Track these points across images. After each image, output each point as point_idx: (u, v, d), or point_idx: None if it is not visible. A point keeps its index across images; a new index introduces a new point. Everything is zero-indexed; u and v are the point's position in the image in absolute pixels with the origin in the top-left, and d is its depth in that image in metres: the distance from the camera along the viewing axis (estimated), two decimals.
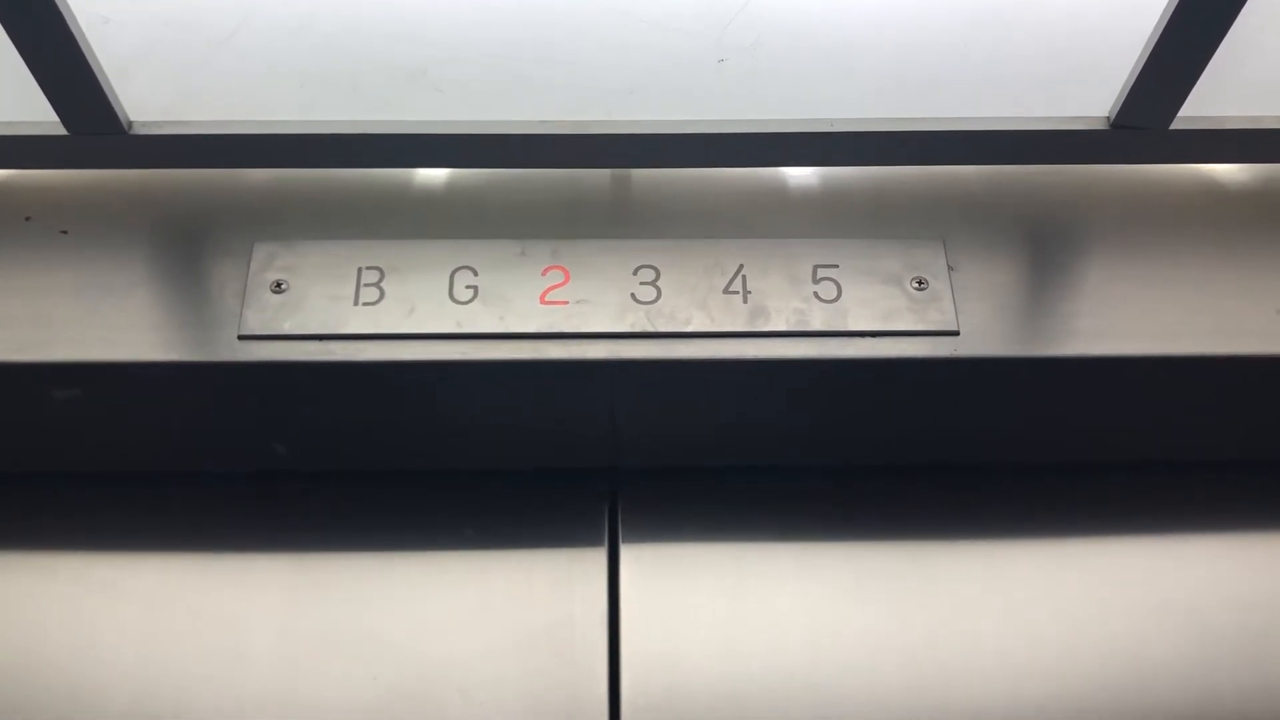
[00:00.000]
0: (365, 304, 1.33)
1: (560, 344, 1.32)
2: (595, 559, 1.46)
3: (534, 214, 1.40)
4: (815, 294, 1.35)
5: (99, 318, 1.33)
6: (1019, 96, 1.34)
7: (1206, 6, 1.17)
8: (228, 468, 1.51)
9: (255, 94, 1.32)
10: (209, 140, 1.33)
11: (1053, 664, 1.41)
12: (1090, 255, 1.40)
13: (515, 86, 1.32)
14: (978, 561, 1.48)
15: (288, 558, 1.47)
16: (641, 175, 1.44)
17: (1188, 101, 1.30)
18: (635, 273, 1.36)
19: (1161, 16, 1.21)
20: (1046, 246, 1.41)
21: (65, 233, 1.38)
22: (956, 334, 1.33)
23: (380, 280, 1.34)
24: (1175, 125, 1.33)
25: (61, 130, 1.31)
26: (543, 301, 1.34)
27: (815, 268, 1.36)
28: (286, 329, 1.31)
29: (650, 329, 1.32)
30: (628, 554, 1.47)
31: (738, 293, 1.34)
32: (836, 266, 1.36)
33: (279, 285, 1.34)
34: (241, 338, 1.31)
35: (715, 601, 1.45)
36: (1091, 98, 1.34)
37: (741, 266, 1.36)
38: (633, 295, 1.34)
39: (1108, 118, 1.34)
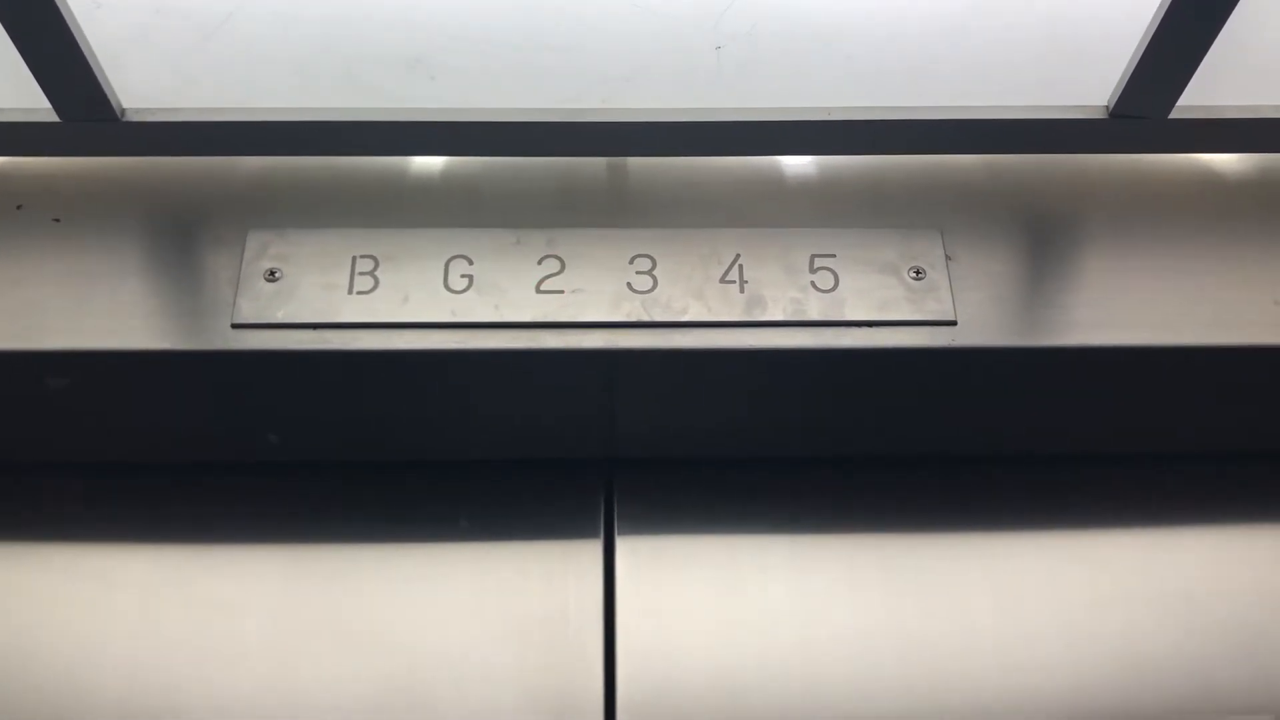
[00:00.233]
0: (359, 293, 1.32)
1: (556, 333, 1.31)
2: (590, 550, 1.46)
3: (529, 203, 1.40)
4: (812, 283, 1.34)
5: (91, 306, 1.32)
6: (1017, 85, 1.34)
7: None
8: (221, 457, 1.50)
9: (249, 81, 1.32)
10: (202, 128, 1.32)
11: (1048, 655, 1.41)
12: (1088, 245, 1.39)
13: (510, 74, 1.32)
14: (973, 553, 1.48)
15: (281, 548, 1.47)
16: (638, 164, 1.43)
17: (1186, 91, 1.30)
18: (631, 262, 1.35)
19: (1160, 6, 1.21)
20: (1044, 236, 1.40)
21: (58, 221, 1.38)
22: (954, 324, 1.33)
23: (374, 269, 1.34)
24: (1174, 115, 1.33)
25: (54, 117, 1.30)
26: (538, 291, 1.33)
27: (812, 257, 1.36)
28: (280, 318, 1.31)
29: (646, 318, 1.32)
30: (623, 545, 1.46)
31: (734, 282, 1.34)
32: (834, 256, 1.36)
33: (273, 274, 1.33)
34: (235, 326, 1.31)
35: (710, 593, 1.45)
36: (1090, 87, 1.33)
37: (738, 256, 1.36)
38: (629, 284, 1.34)
39: (1106, 107, 1.34)
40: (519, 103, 1.32)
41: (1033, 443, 1.52)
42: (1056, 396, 1.44)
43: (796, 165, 1.43)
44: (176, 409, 1.43)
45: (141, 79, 1.31)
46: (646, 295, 1.33)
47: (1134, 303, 1.35)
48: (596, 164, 1.43)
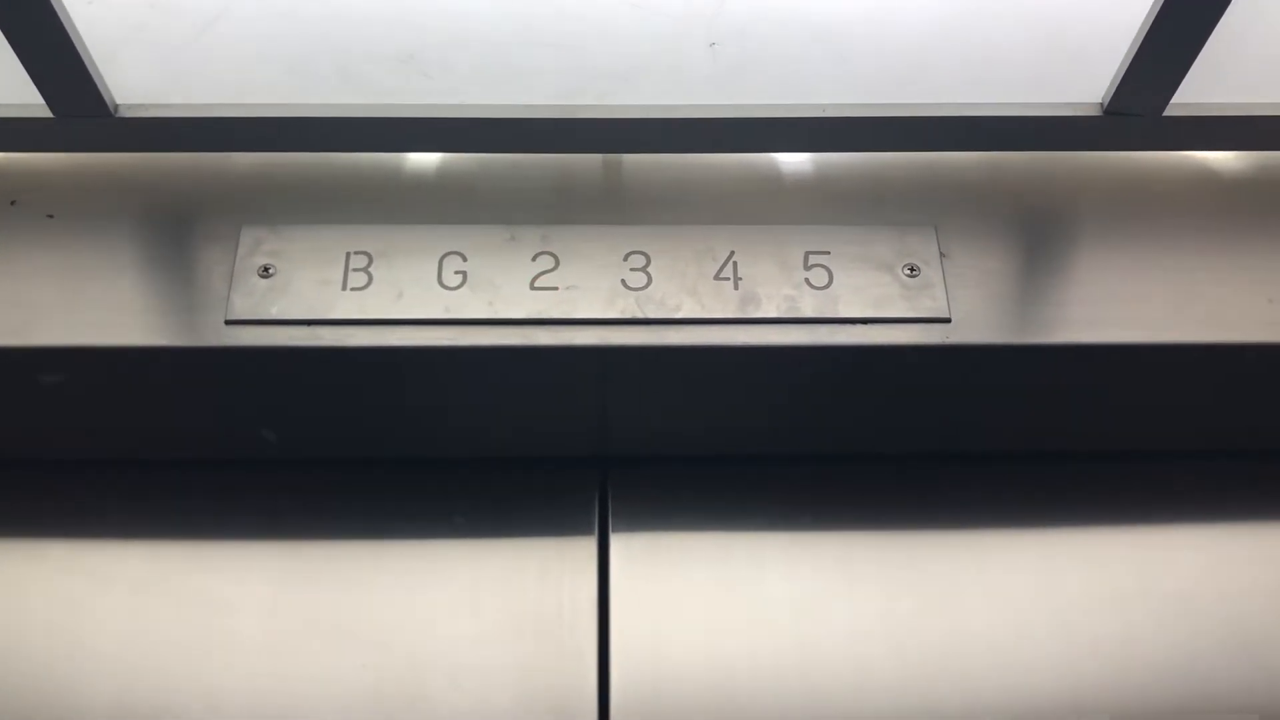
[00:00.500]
0: (353, 289, 1.32)
1: (550, 330, 1.31)
2: (585, 547, 1.46)
3: (524, 199, 1.39)
4: (806, 281, 1.34)
5: (85, 302, 1.32)
6: (1012, 83, 1.34)
7: None
8: (215, 454, 1.50)
9: (243, 77, 1.32)
10: (196, 124, 1.32)
11: (1042, 653, 1.41)
12: (1083, 242, 1.39)
13: (505, 71, 1.32)
14: (967, 550, 1.48)
15: (276, 545, 1.47)
16: (632, 160, 1.43)
17: (1181, 88, 1.30)
18: (625, 259, 1.35)
19: (1154, 3, 1.21)
20: (1039, 234, 1.40)
21: (51, 216, 1.38)
22: (948, 321, 1.33)
23: (368, 265, 1.34)
24: (1168, 112, 1.33)
25: (47, 113, 1.30)
26: (532, 287, 1.33)
27: (807, 254, 1.36)
28: (274, 314, 1.31)
29: (640, 315, 1.32)
30: (617, 542, 1.46)
31: (728, 279, 1.34)
32: (828, 253, 1.36)
33: (266, 270, 1.33)
34: (229, 322, 1.31)
35: (705, 590, 1.45)
36: (1084, 85, 1.33)
37: (732, 253, 1.36)
38: (623, 281, 1.33)
39: (1101, 104, 1.34)
40: (513, 99, 1.32)
41: (1027, 440, 1.52)
42: (1051, 394, 1.44)
43: (791, 162, 1.43)
44: (170, 405, 1.43)
45: (135, 75, 1.31)
46: (641, 292, 1.33)
47: (1128, 300, 1.35)
48: (591, 161, 1.43)
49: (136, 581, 1.43)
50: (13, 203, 1.38)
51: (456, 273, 1.34)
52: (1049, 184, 1.43)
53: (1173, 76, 1.28)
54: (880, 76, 1.33)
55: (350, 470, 1.51)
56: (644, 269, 1.34)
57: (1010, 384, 1.42)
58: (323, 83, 1.32)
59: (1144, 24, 1.23)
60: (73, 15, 1.21)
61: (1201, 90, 1.31)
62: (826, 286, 1.34)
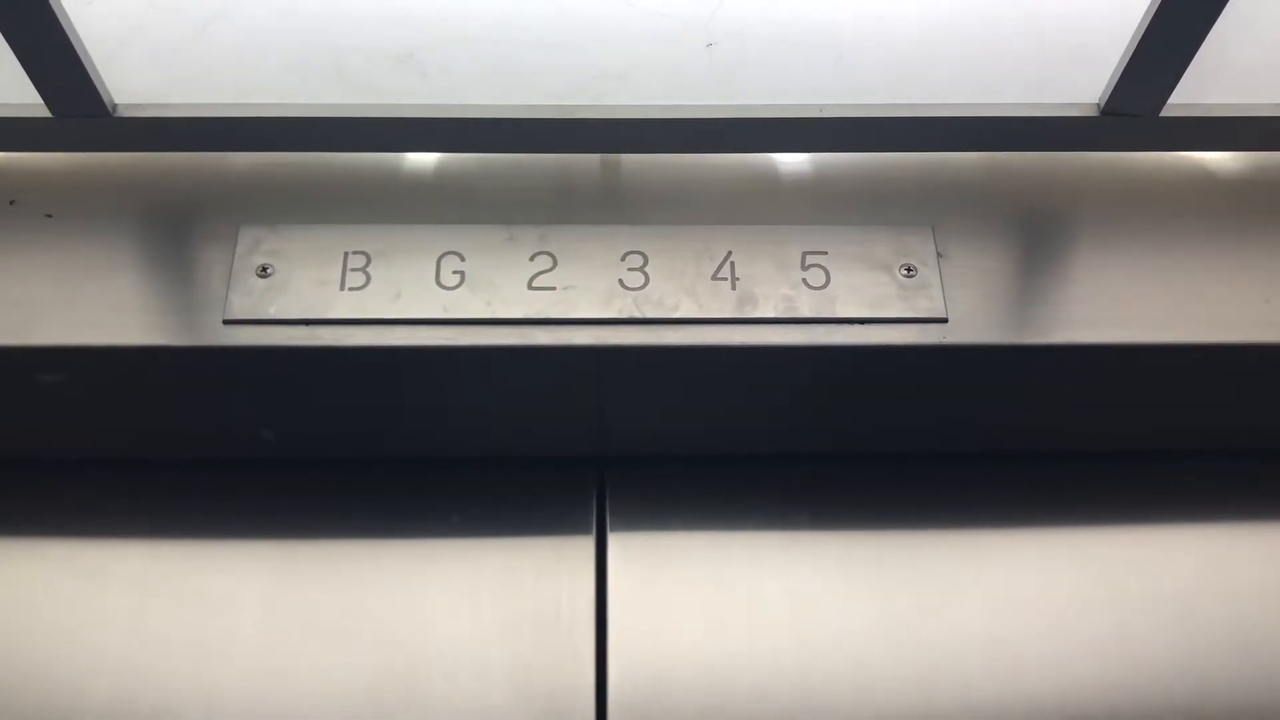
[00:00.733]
0: (351, 289, 1.32)
1: (547, 330, 1.32)
2: (583, 546, 1.46)
3: (522, 199, 1.40)
4: (804, 281, 1.34)
5: (84, 302, 1.32)
6: (1009, 83, 1.34)
7: None
8: (214, 453, 1.51)
9: (241, 77, 1.32)
10: (194, 123, 1.32)
11: (1039, 653, 1.41)
12: (1080, 243, 1.39)
13: (503, 71, 1.32)
14: (965, 550, 1.48)
15: (274, 544, 1.47)
16: (630, 160, 1.43)
17: (1178, 89, 1.30)
18: (623, 259, 1.35)
19: (1151, 4, 1.21)
20: (1036, 234, 1.40)
21: (50, 216, 1.38)
22: (945, 321, 1.33)
23: (367, 265, 1.34)
24: (1165, 113, 1.33)
25: (46, 113, 1.30)
26: (530, 287, 1.33)
27: (804, 254, 1.36)
28: (272, 313, 1.31)
29: (638, 315, 1.32)
30: (615, 542, 1.46)
31: (726, 279, 1.34)
32: (825, 253, 1.36)
33: (264, 269, 1.33)
34: (227, 322, 1.31)
35: (702, 589, 1.45)
36: (1081, 85, 1.34)
37: (730, 253, 1.36)
38: (620, 281, 1.34)
39: (1098, 105, 1.34)
40: (511, 99, 1.32)
41: (1024, 440, 1.52)
42: (1048, 394, 1.44)
43: (788, 162, 1.43)
44: (169, 405, 1.43)
45: (134, 75, 1.31)
46: (638, 292, 1.33)
47: (1125, 300, 1.35)
48: (589, 161, 1.43)
49: (135, 580, 1.44)
50: (12, 202, 1.39)
51: (454, 272, 1.34)
52: (1046, 184, 1.43)
53: (1170, 77, 1.28)
54: (878, 77, 1.33)
55: (348, 470, 1.51)
56: (642, 269, 1.35)
57: (1007, 384, 1.42)
58: (321, 83, 1.32)
59: (1141, 25, 1.23)
60: (71, 15, 1.21)
61: (1198, 91, 1.32)
62: (824, 286, 1.34)
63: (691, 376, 1.39)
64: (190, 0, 1.33)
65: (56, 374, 1.35)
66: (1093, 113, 1.34)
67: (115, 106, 1.31)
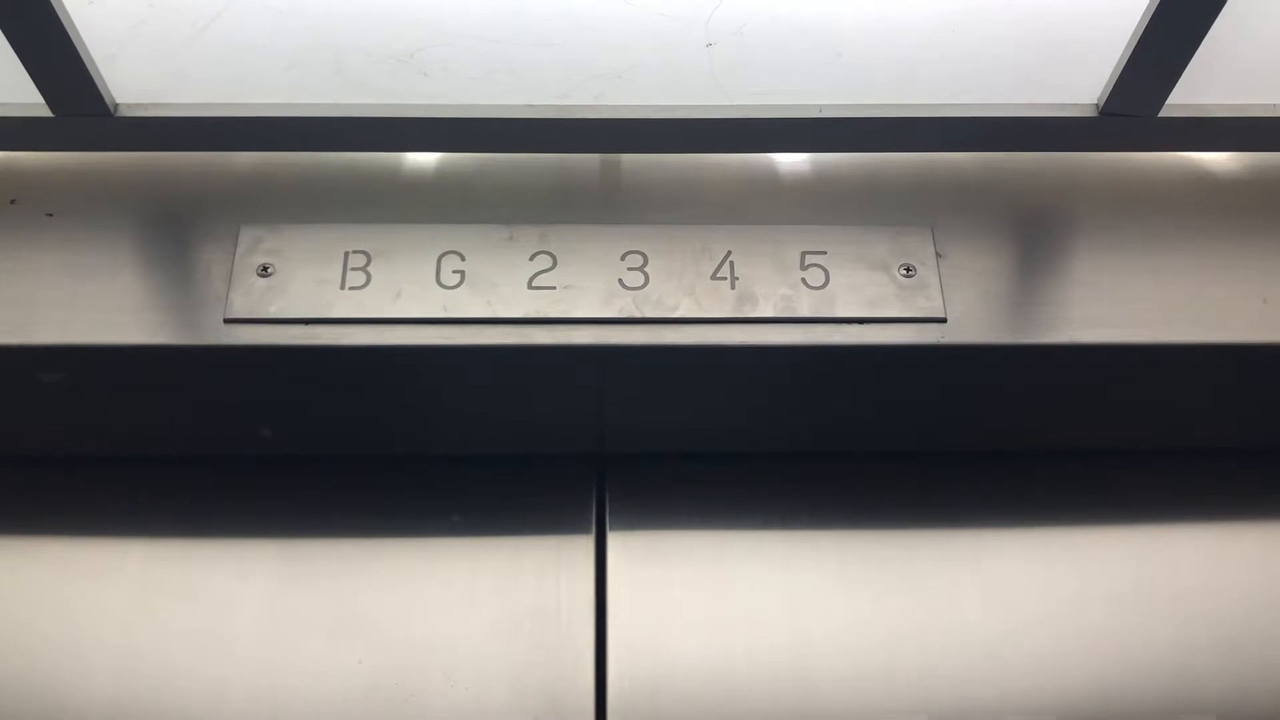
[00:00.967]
0: (352, 288, 1.33)
1: (547, 329, 1.32)
2: (582, 545, 1.47)
3: (522, 199, 1.40)
4: (803, 280, 1.34)
5: (84, 301, 1.32)
6: (1008, 84, 1.34)
7: None
8: (214, 451, 1.51)
9: (241, 77, 1.32)
10: (195, 123, 1.32)
11: (1037, 651, 1.42)
12: (1078, 243, 1.39)
13: (503, 70, 1.32)
14: (963, 549, 1.48)
15: (274, 542, 1.47)
16: (630, 160, 1.43)
17: (1176, 89, 1.30)
18: (623, 258, 1.36)
19: (1150, 4, 1.21)
20: (1035, 234, 1.41)
21: (51, 215, 1.38)
22: (944, 321, 1.33)
23: (367, 264, 1.34)
24: (1163, 113, 1.33)
25: (47, 112, 1.30)
26: (530, 287, 1.33)
27: (803, 254, 1.36)
28: (272, 313, 1.31)
29: (638, 315, 1.32)
30: (614, 540, 1.47)
31: (725, 279, 1.34)
32: (824, 253, 1.36)
33: (265, 269, 1.33)
34: (227, 321, 1.31)
35: (701, 588, 1.45)
36: (1080, 86, 1.34)
37: (729, 253, 1.36)
38: (620, 281, 1.34)
39: (1096, 105, 1.34)
40: (511, 99, 1.32)
41: (1022, 439, 1.52)
42: (1045, 393, 1.44)
43: (788, 162, 1.44)
44: (169, 404, 1.44)
45: (135, 74, 1.31)
46: (638, 292, 1.33)
47: (1123, 300, 1.35)
48: (589, 160, 1.43)
49: (135, 578, 1.44)
50: (12, 201, 1.39)
51: (454, 272, 1.34)
52: (1045, 184, 1.43)
53: (1168, 78, 1.28)
54: (877, 77, 1.34)
55: (348, 468, 1.51)
56: (641, 268, 1.35)
57: (1006, 383, 1.42)
58: (322, 82, 1.32)
59: (1139, 25, 1.23)
60: (72, 15, 1.21)
61: (1197, 91, 1.32)
62: (823, 286, 1.34)
63: (691, 376, 1.39)
64: (191, 0, 1.33)
65: (57, 373, 1.35)
66: (1091, 113, 1.34)
67: (116, 106, 1.31)
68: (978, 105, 1.34)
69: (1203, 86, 1.32)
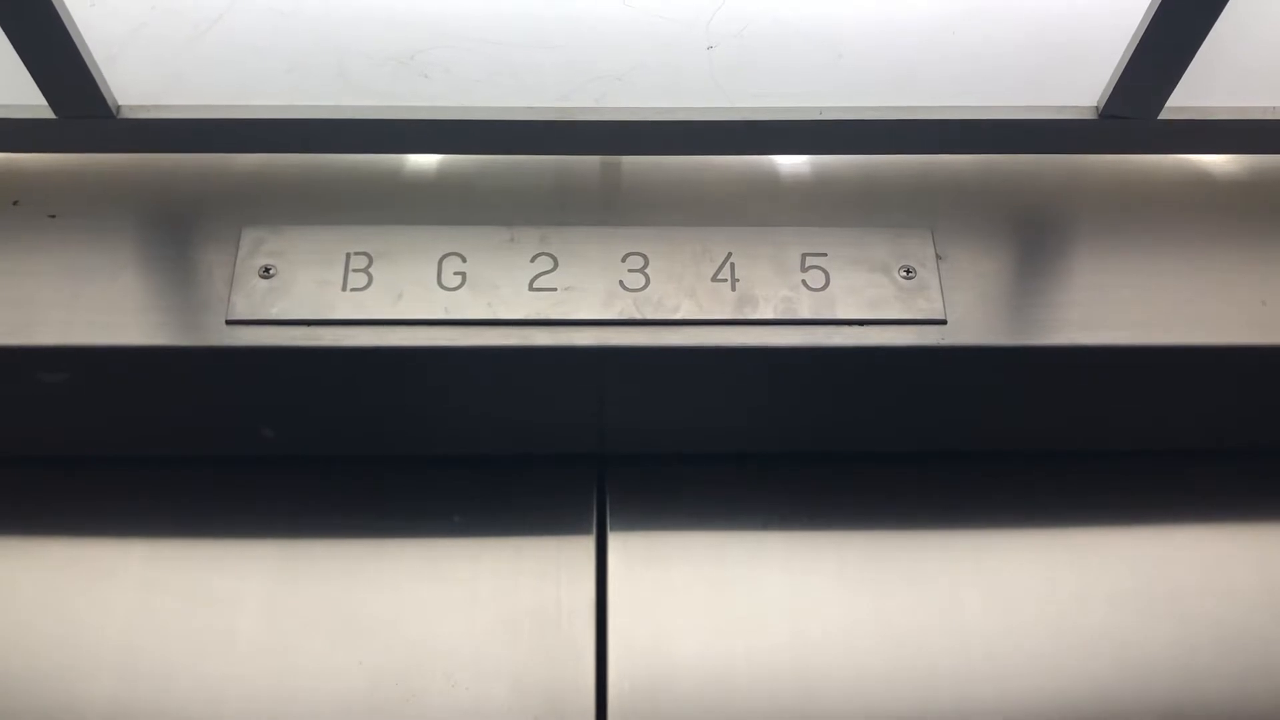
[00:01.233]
0: (353, 289, 1.33)
1: (548, 331, 1.32)
2: (583, 546, 1.47)
3: (523, 200, 1.40)
4: (803, 282, 1.35)
5: (87, 302, 1.32)
6: (1008, 86, 1.34)
7: None
8: (215, 452, 1.51)
9: (243, 78, 1.32)
10: (197, 125, 1.33)
11: (1036, 651, 1.42)
12: (1078, 245, 1.40)
13: (504, 72, 1.32)
14: (963, 550, 1.48)
15: (275, 542, 1.47)
16: (631, 162, 1.43)
17: (1176, 92, 1.30)
18: (624, 260, 1.36)
19: (1150, 6, 1.21)
20: (1035, 236, 1.41)
21: (53, 217, 1.38)
22: (944, 323, 1.33)
23: (368, 266, 1.34)
24: (1163, 116, 1.33)
25: (49, 114, 1.31)
26: (531, 288, 1.34)
27: (803, 256, 1.36)
28: (274, 314, 1.31)
29: (638, 316, 1.32)
30: (615, 541, 1.47)
31: (726, 280, 1.35)
32: (825, 255, 1.36)
33: (267, 270, 1.34)
34: (229, 323, 1.31)
35: (702, 589, 1.45)
36: (1080, 88, 1.34)
37: (730, 254, 1.36)
38: (621, 283, 1.34)
39: (1096, 108, 1.34)
40: (512, 101, 1.32)
41: (1022, 440, 1.52)
42: (1045, 395, 1.45)
43: (788, 164, 1.44)
44: (171, 404, 1.44)
45: (137, 76, 1.31)
46: (639, 293, 1.34)
47: (1123, 302, 1.35)
48: (590, 162, 1.43)
49: (136, 579, 1.44)
50: (15, 203, 1.39)
51: (456, 274, 1.34)
52: (1045, 187, 1.43)
53: (1168, 80, 1.28)
54: (877, 79, 1.34)
55: (349, 469, 1.51)
56: (642, 270, 1.35)
57: (1005, 385, 1.42)
58: (323, 84, 1.33)
59: (1139, 27, 1.23)
60: (75, 16, 1.21)
61: (1197, 94, 1.32)
62: (823, 288, 1.34)
63: (691, 377, 1.39)
64: (193, 2, 1.33)
65: (59, 374, 1.36)
66: (1091, 115, 1.34)
67: (118, 108, 1.31)
68: (978, 107, 1.34)
69: (1203, 89, 1.32)
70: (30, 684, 1.38)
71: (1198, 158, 1.45)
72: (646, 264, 1.35)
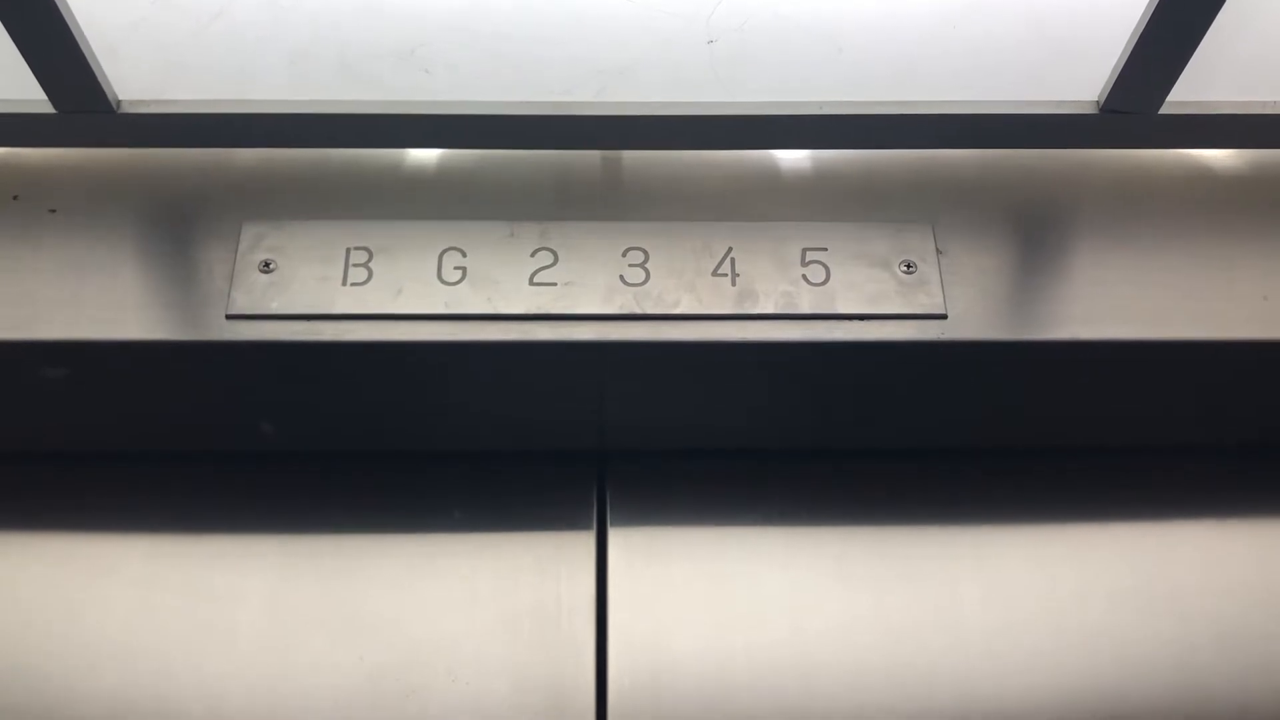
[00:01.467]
0: (353, 284, 1.33)
1: (548, 325, 1.32)
2: (583, 541, 1.47)
3: (523, 195, 1.40)
4: (804, 277, 1.35)
5: (87, 297, 1.32)
6: (1009, 81, 1.34)
7: None
8: (215, 447, 1.51)
9: (244, 73, 1.32)
10: (197, 119, 1.32)
11: (1036, 648, 1.42)
12: (1079, 240, 1.40)
13: (504, 66, 1.32)
14: (962, 545, 1.48)
15: (275, 538, 1.47)
16: (631, 157, 1.43)
17: (1177, 86, 1.30)
18: (624, 255, 1.36)
19: (1150, 1, 1.21)
20: (1035, 231, 1.41)
21: (54, 211, 1.38)
22: (944, 317, 1.33)
23: (368, 261, 1.34)
24: (1164, 110, 1.33)
25: (50, 109, 1.31)
26: (531, 283, 1.34)
27: (804, 250, 1.36)
28: (274, 309, 1.31)
29: (638, 311, 1.32)
30: (615, 537, 1.47)
31: (726, 275, 1.35)
32: (825, 250, 1.36)
33: (267, 265, 1.34)
34: (229, 317, 1.31)
35: (702, 585, 1.45)
36: (1081, 82, 1.34)
37: (730, 249, 1.36)
38: (621, 277, 1.34)
39: (1097, 102, 1.34)
40: (513, 95, 1.32)
41: (1022, 436, 1.52)
42: (1045, 390, 1.45)
43: (789, 159, 1.44)
44: (171, 399, 1.44)
45: (137, 71, 1.31)
46: (639, 288, 1.34)
47: (1123, 297, 1.35)
48: (590, 157, 1.43)
49: (136, 574, 1.44)
50: (15, 198, 1.39)
51: (456, 268, 1.34)
52: (1045, 181, 1.43)
53: (1169, 75, 1.28)
54: (877, 74, 1.34)
55: (350, 464, 1.52)
56: (642, 265, 1.35)
57: (1005, 380, 1.42)
58: (324, 79, 1.32)
59: (1140, 22, 1.23)
60: (75, 11, 1.21)
61: (1197, 88, 1.32)
62: (824, 283, 1.34)
63: (692, 372, 1.39)
64: None
65: (60, 369, 1.36)
66: (1092, 110, 1.34)
67: (119, 102, 1.31)
68: (979, 102, 1.34)
69: (1204, 84, 1.32)
70: (31, 680, 1.38)
71: (1198, 152, 1.45)
72: (647, 259, 1.35)
